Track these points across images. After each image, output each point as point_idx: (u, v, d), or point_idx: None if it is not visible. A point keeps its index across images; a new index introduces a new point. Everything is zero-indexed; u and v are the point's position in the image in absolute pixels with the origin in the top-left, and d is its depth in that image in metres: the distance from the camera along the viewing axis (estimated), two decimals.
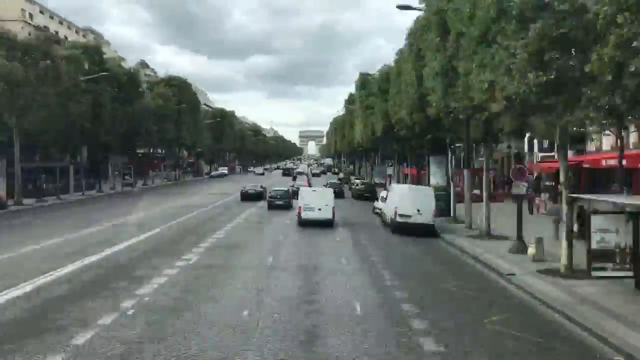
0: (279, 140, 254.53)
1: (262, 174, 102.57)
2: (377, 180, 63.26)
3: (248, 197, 43.58)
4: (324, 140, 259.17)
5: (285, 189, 39.96)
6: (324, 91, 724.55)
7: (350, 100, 77.14)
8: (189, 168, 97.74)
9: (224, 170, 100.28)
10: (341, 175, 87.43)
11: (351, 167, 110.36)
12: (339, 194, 41.46)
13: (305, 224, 27.52)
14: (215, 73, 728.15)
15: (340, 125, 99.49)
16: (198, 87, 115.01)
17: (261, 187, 46.90)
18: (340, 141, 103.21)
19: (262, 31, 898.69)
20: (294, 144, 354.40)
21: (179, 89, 71.95)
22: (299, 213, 28.12)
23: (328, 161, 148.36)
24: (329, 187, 38.70)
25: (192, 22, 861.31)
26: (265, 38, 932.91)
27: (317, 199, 28.18)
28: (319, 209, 27.69)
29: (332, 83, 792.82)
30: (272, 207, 36.25)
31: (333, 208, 28.24)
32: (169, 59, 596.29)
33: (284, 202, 36.54)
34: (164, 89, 68.40)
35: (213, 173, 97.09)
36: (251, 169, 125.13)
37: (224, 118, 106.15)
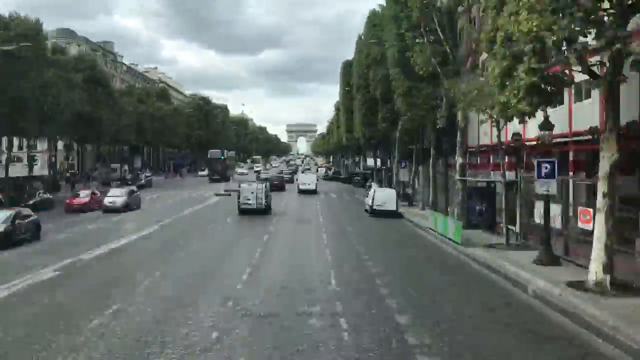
0: (258, 131, 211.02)
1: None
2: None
3: None
4: (317, 136, 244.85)
5: None
6: (329, 88, 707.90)
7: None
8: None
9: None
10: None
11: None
12: None
13: None
14: (223, 69, 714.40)
15: (346, 109, 69.94)
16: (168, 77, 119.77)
17: None
18: (339, 133, 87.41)
19: (275, 24, 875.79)
20: (279, 138, 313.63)
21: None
22: None
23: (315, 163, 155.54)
24: None
25: (203, 14, 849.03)
26: (279, 31, 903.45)
27: None
28: None
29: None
30: None
31: None
32: (175, 53, 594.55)
33: None
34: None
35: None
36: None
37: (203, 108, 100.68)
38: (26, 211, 24.26)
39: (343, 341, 10.02)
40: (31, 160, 48.99)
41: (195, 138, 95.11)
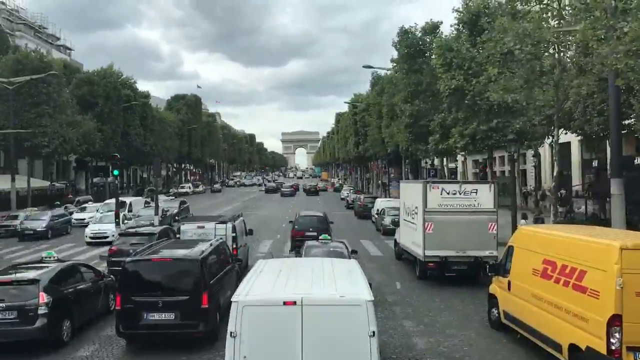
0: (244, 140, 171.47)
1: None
2: None
3: None
4: (320, 146, 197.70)
5: None
6: (344, 99, 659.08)
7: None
8: None
9: None
10: None
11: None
12: None
13: None
14: (241, 83, 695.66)
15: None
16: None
17: None
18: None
19: (302, 33, 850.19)
20: (276, 152, 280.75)
21: None
22: None
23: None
24: None
25: (228, 24, 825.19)
26: (306, 40, 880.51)
27: None
28: None
29: (359, 89, 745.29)
30: None
31: None
32: (197, 67, 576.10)
33: None
34: None
35: None
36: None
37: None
38: None
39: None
40: None
41: None
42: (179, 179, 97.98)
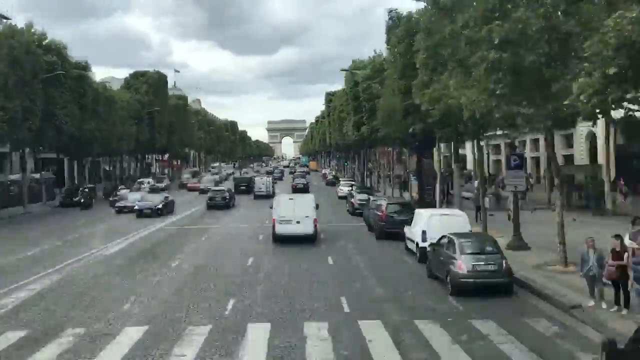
0: (223, 127, 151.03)
1: None
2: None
3: None
4: (308, 134, 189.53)
5: None
6: (333, 88, 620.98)
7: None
8: None
9: None
10: None
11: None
12: None
13: None
14: (231, 73, 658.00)
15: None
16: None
17: None
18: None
19: (295, 20, 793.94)
20: (261, 141, 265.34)
21: None
22: None
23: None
24: None
25: (218, 10, 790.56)
26: (298, 28, 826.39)
27: None
28: None
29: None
30: None
31: None
32: (186, 55, 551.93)
33: None
34: None
35: None
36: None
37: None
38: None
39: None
40: None
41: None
42: (139, 171, 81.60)
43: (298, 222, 25.00)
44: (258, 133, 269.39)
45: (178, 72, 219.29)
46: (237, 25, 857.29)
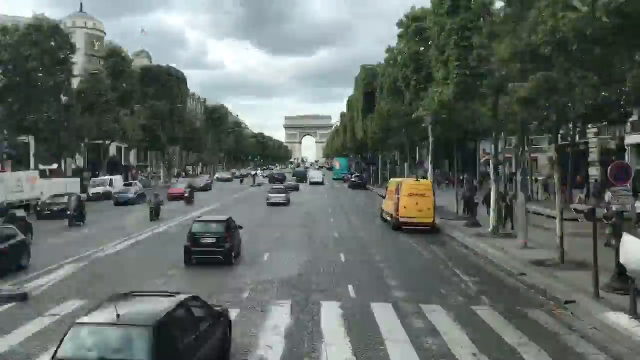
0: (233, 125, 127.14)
1: None
2: None
3: None
4: (333, 132, 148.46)
5: None
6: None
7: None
8: None
9: None
10: None
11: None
12: None
13: None
14: (265, 74, 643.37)
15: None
16: None
17: None
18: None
19: (335, 19, 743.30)
20: (280, 142, 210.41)
21: None
22: None
23: None
24: None
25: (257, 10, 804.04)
26: (338, 28, 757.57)
27: None
28: None
29: None
30: None
31: None
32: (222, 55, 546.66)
33: None
34: None
35: None
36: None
37: None
38: None
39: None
40: None
41: None
42: (96, 169, 57.22)
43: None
44: (281, 134, 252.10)
45: (144, 31, 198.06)
46: (276, 24, 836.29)
